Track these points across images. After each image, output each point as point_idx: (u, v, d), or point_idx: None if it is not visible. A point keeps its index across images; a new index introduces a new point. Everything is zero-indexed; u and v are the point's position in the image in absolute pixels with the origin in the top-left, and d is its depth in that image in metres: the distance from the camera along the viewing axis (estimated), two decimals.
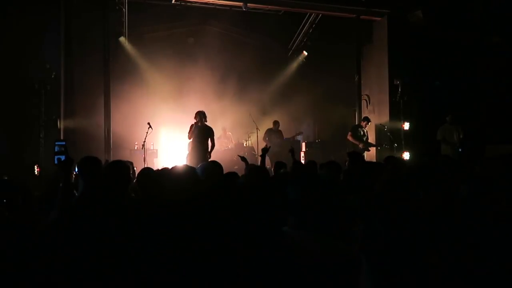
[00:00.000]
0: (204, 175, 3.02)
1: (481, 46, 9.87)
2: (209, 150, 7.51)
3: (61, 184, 2.49)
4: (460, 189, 2.17)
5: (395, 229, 1.75)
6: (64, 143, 2.55)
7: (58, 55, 8.39)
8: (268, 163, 9.49)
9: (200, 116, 7.35)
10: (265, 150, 4.86)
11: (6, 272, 2.05)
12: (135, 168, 4.73)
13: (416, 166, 2.89)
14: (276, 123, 10.24)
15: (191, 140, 7.43)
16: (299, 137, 11.32)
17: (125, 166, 2.94)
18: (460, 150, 8.52)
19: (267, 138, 9.94)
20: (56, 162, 2.52)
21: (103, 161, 4.44)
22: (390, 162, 3.97)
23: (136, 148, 9.26)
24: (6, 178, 3.19)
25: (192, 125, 7.40)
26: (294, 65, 12.11)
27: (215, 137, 7.73)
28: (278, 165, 4.86)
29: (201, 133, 7.35)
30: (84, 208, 2.39)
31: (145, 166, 7.88)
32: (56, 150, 2.52)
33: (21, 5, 7.83)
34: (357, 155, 4.22)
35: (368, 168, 3.31)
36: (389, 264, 1.68)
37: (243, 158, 4.89)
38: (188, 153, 7.52)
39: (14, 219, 2.39)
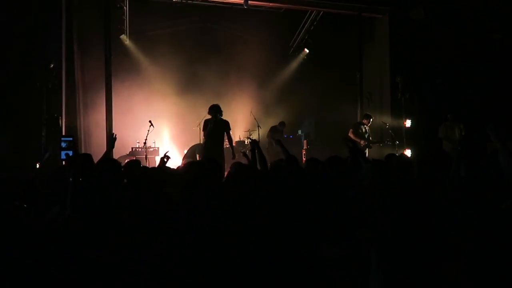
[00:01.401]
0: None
1: (483, 43, 9.84)
2: (230, 145, 7.27)
3: (71, 179, 2.48)
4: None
5: (409, 229, 1.74)
6: (71, 138, 2.55)
7: (59, 53, 8.39)
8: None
9: (215, 110, 6.90)
10: (254, 143, 4.40)
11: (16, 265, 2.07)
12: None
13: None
14: (282, 124, 10.27)
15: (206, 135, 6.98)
16: (302, 137, 11.36)
17: (118, 164, 2.97)
18: (459, 148, 8.50)
19: (270, 136, 10.03)
20: (63, 157, 2.50)
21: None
22: (392, 160, 3.95)
23: (137, 146, 9.28)
24: (6, 175, 3.19)
25: (206, 120, 7.00)
26: (295, 62, 12.10)
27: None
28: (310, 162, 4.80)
29: (218, 127, 6.96)
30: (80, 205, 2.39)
31: (147, 164, 7.91)
32: (63, 145, 2.51)
33: (22, 3, 7.83)
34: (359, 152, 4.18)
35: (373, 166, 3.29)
36: (401, 265, 1.67)
37: (244, 154, 4.80)
38: (206, 150, 7.04)
39: (21, 215, 2.39)
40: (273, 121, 10.59)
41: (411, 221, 1.71)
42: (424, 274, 1.62)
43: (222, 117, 7.04)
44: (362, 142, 8.78)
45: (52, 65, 7.68)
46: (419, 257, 1.63)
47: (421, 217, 1.72)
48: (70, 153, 2.52)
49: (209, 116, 7.00)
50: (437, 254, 1.64)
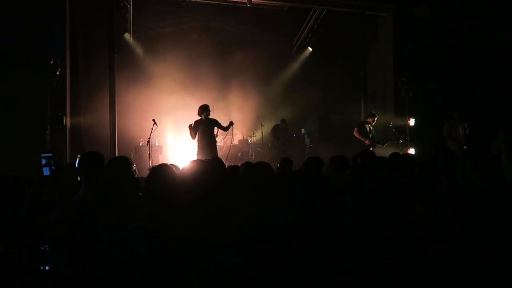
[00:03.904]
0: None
1: (488, 41, 9.77)
2: (226, 128, 7.57)
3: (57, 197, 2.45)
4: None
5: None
6: (51, 154, 2.46)
7: (63, 52, 8.41)
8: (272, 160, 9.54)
9: (205, 110, 7.32)
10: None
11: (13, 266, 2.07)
12: (134, 166, 4.74)
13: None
14: (283, 121, 10.30)
15: (198, 135, 7.28)
16: (305, 136, 11.35)
17: (128, 162, 2.90)
18: (464, 147, 8.46)
19: (273, 135, 10.09)
20: (47, 173, 2.42)
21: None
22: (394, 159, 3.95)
23: (141, 144, 9.31)
24: (14, 174, 3.20)
25: (195, 122, 7.34)
26: (298, 61, 12.08)
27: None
28: (284, 162, 4.84)
29: (210, 126, 7.37)
30: (84, 208, 2.36)
31: (150, 162, 7.92)
32: (43, 162, 2.43)
33: (26, 1, 7.86)
34: (369, 153, 4.17)
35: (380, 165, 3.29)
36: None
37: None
38: (200, 149, 7.30)
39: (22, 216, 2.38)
40: (276, 120, 10.59)
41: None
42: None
43: (209, 116, 7.44)
44: (367, 141, 8.75)
45: (52, 61, 7.65)
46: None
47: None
48: (52, 167, 2.44)
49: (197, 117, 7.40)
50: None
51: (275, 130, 10.20)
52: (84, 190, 2.62)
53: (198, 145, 7.35)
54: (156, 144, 9.60)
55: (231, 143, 9.46)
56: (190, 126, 7.30)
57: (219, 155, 9.40)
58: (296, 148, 10.65)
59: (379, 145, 9.05)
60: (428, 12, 9.57)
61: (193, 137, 7.29)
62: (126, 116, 9.23)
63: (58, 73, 7.87)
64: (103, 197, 2.52)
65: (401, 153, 6.51)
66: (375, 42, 10.96)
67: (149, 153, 8.17)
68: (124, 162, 2.87)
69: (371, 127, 9.04)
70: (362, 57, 10.64)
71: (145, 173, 2.99)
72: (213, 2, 9.93)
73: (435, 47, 9.67)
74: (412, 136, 9.63)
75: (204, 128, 7.27)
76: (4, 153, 7.17)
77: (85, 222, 2.26)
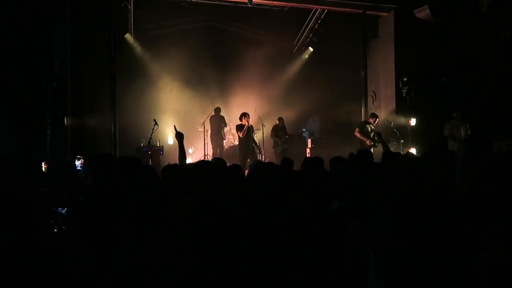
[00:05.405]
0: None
1: (489, 41, 9.75)
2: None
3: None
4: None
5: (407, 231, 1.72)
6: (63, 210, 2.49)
7: (64, 52, 8.42)
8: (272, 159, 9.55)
9: (245, 115, 8.90)
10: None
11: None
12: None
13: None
14: (281, 119, 10.30)
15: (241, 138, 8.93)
16: (304, 134, 11.33)
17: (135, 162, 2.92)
18: (465, 146, 8.45)
19: (274, 135, 10.08)
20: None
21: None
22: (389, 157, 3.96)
23: (142, 144, 9.31)
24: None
25: (243, 125, 8.84)
26: (299, 61, 12.07)
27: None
28: (285, 162, 4.83)
29: (250, 131, 8.98)
30: (90, 205, 2.37)
31: (151, 162, 7.93)
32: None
33: (28, 2, 7.87)
34: (366, 153, 4.16)
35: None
36: (398, 261, 1.66)
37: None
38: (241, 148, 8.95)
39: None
40: (277, 120, 10.56)
41: (409, 222, 1.69)
42: (427, 275, 1.60)
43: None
44: (368, 141, 8.74)
45: (53, 62, 7.64)
46: (420, 258, 1.61)
47: (421, 218, 1.70)
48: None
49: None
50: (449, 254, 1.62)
51: (275, 129, 10.18)
52: (91, 189, 2.63)
53: (241, 146, 8.98)
54: (157, 145, 9.61)
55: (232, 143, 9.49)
56: (244, 126, 8.80)
57: (225, 154, 9.50)
58: (297, 148, 10.63)
59: (379, 144, 9.04)
60: (429, 12, 9.55)
61: (242, 136, 8.91)
62: (127, 116, 9.23)
63: (59, 73, 7.87)
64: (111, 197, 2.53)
65: (400, 152, 6.51)
66: (376, 41, 10.94)
67: (150, 153, 8.17)
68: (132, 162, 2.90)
69: (372, 127, 9.03)
70: (363, 57, 10.63)
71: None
72: (214, 2, 9.93)
73: (435, 47, 9.64)
74: (413, 136, 9.61)
75: (248, 132, 8.88)
76: (5, 153, 7.18)
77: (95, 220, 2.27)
